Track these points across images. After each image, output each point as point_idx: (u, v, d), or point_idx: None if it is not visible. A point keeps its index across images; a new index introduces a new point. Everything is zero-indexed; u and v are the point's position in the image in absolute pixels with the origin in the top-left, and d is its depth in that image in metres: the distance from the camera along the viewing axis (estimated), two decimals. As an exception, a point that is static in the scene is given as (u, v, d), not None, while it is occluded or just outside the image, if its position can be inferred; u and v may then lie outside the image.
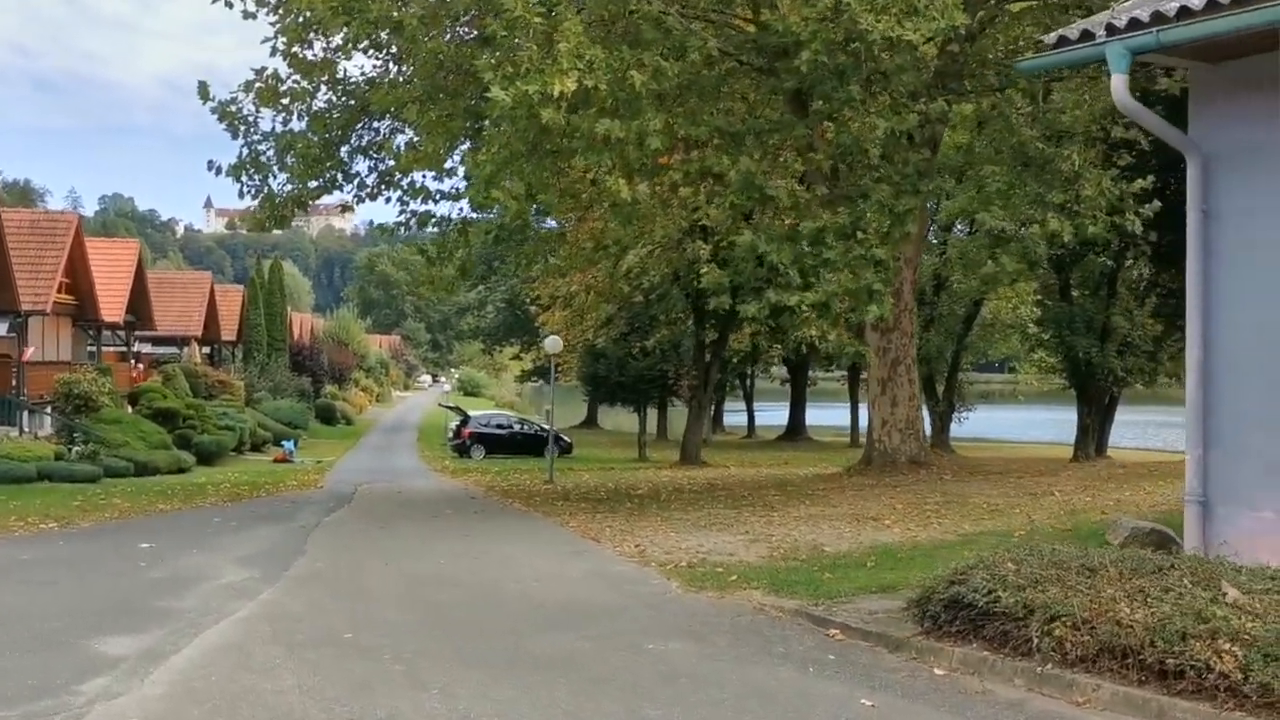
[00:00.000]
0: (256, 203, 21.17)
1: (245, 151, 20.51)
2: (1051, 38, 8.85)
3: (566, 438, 43.42)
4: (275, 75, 19.88)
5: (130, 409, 35.14)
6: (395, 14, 17.18)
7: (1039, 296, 37.86)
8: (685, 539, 14.17)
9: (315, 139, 20.57)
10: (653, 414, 49.95)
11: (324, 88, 20.52)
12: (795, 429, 57.65)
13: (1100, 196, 18.97)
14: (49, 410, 30.94)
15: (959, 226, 37.80)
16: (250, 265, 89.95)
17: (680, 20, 17.07)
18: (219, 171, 20.43)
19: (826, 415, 63.38)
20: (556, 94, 14.28)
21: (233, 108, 20.13)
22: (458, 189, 20.60)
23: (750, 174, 16.91)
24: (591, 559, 13.14)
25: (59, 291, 32.22)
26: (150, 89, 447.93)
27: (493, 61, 15.27)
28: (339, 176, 21.55)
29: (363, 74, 20.95)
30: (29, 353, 30.75)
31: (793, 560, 12.08)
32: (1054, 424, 55.78)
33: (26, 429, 29.83)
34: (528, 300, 53.52)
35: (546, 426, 36.89)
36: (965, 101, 21.51)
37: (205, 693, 7.08)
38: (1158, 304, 32.49)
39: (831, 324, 20.86)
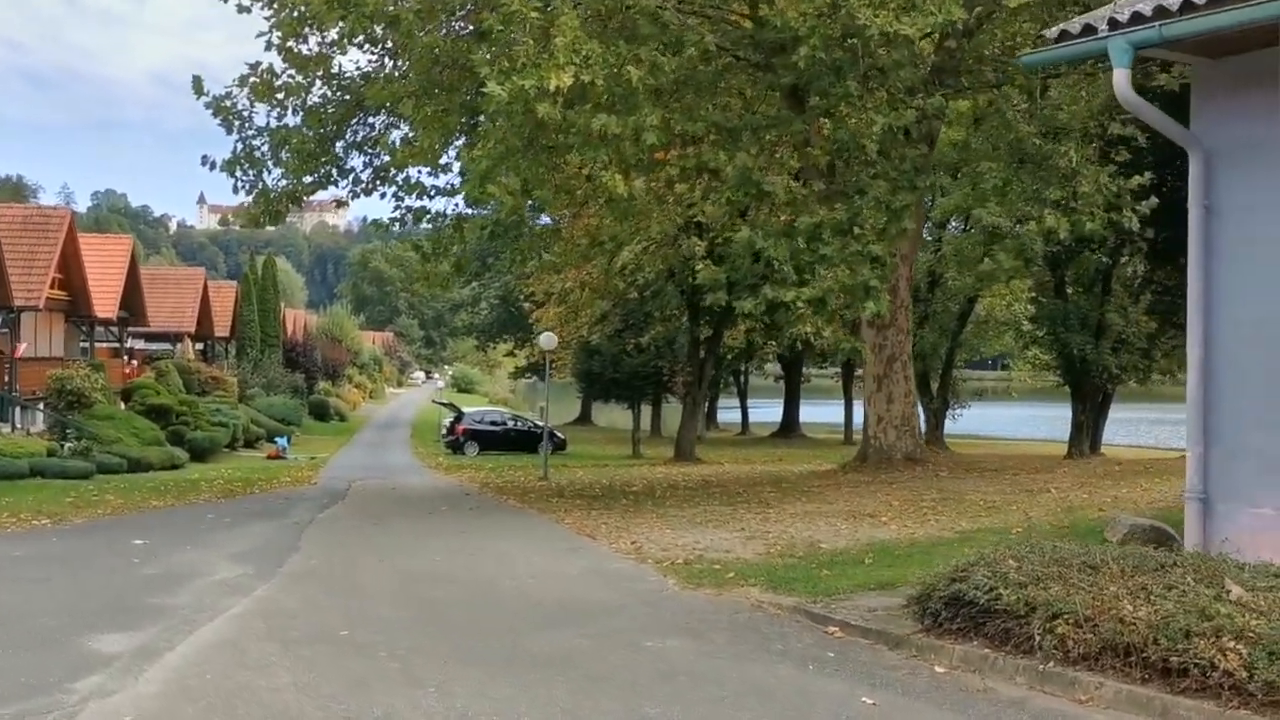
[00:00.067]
0: (251, 198, 21.12)
1: (240, 146, 20.51)
2: (1053, 32, 8.83)
3: (561, 434, 43.37)
4: (270, 70, 19.87)
5: (123, 405, 35.05)
6: (391, 8, 17.13)
7: (1033, 293, 37.91)
8: (681, 536, 14.13)
9: (310, 134, 20.52)
10: (647, 410, 49.94)
11: (319, 82, 20.47)
12: (789, 426, 57.65)
13: (1098, 193, 18.90)
14: (42, 406, 30.86)
15: (954, 223, 37.78)
16: (243, 261, 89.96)
17: (677, 15, 17.02)
18: (213, 167, 20.44)
19: (820, 412, 63.40)
20: (553, 89, 14.24)
21: (227, 102, 20.13)
22: (453, 184, 20.51)
23: (747, 170, 16.87)
24: (588, 556, 13.09)
25: (52, 287, 32.15)
26: (143, 84, 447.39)
27: (489, 56, 15.25)
28: (334, 172, 21.54)
29: (358, 69, 20.91)
30: (21, 349, 30.69)
31: (790, 557, 12.04)
32: (1047, 421, 55.87)
33: (19, 425, 29.77)
34: (522, 296, 53.50)
35: (540, 423, 36.85)
36: (962, 97, 21.47)
37: (200, 690, 7.02)
38: (1152, 301, 32.48)
39: (827, 320, 20.80)
